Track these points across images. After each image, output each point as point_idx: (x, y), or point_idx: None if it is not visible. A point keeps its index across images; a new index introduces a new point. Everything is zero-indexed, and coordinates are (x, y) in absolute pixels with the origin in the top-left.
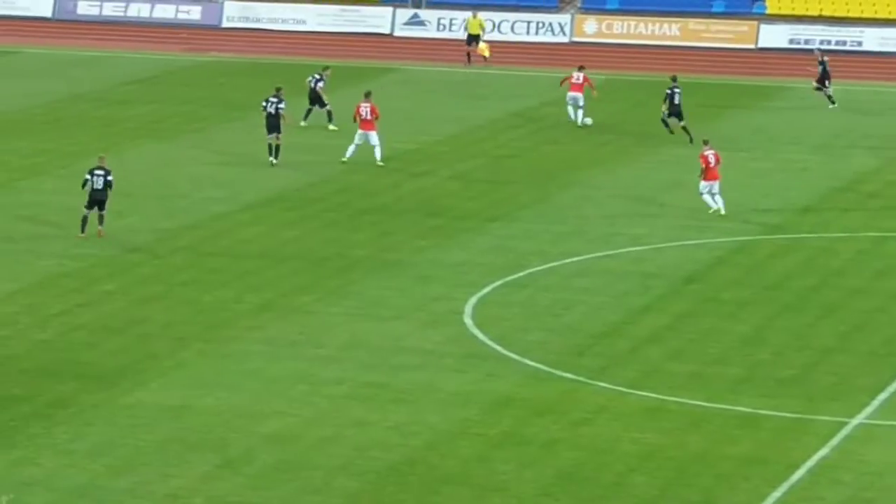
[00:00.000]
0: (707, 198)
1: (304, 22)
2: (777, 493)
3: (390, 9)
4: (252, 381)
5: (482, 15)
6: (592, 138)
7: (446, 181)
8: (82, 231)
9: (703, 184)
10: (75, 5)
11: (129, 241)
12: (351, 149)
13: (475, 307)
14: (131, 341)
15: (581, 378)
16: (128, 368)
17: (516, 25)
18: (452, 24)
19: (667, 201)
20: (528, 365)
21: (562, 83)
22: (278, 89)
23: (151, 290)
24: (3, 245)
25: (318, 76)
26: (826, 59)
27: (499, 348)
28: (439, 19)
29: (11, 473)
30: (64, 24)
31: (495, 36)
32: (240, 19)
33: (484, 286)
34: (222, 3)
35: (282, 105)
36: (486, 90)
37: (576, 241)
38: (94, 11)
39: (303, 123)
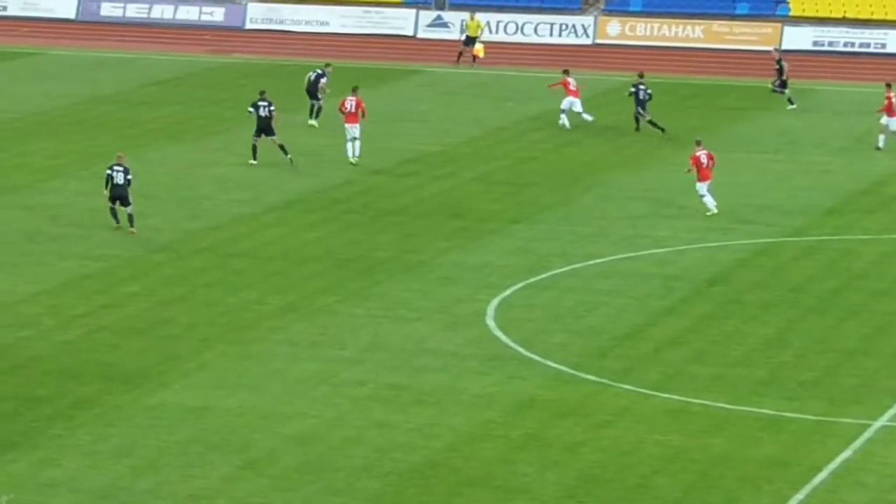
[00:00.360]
0: (708, 199)
1: (327, 23)
2: (800, 496)
3: (413, 10)
4: (275, 383)
5: (507, 17)
6: (615, 140)
7: (469, 183)
8: (116, 222)
9: (699, 185)
10: (99, 7)
11: (153, 243)
12: (349, 147)
13: (498, 309)
14: (154, 342)
15: (604, 380)
16: (151, 369)
17: (539, 27)
18: None
19: (689, 203)
20: (550, 367)
21: (551, 86)
22: (262, 92)
23: (175, 291)
24: (27, 246)
25: (319, 72)
26: (783, 60)
27: (521, 350)
28: (462, 21)
29: (34, 474)
30: (87, 26)
31: (518, 38)
32: (263, 21)
33: (506, 288)
34: (246, 4)
35: (272, 107)
36: (509, 92)
37: (598, 243)
38: (118, 13)
39: (310, 122)
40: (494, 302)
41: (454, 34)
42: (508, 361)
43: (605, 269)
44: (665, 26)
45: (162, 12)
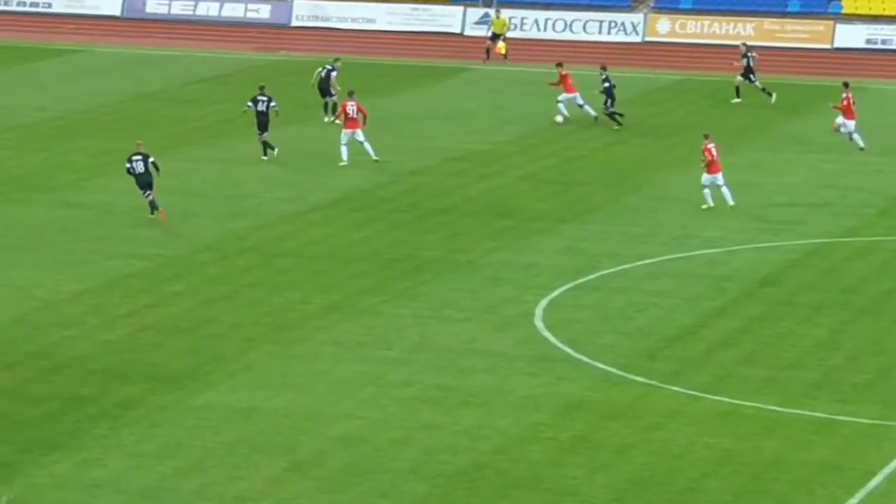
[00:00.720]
0: (707, 192)
1: (373, 21)
2: (853, 500)
3: (461, 8)
4: (320, 383)
5: (555, 14)
6: (664, 139)
7: (517, 182)
8: (153, 212)
9: (706, 177)
10: (144, 4)
11: (198, 241)
12: (344, 152)
13: (546, 309)
14: (199, 342)
15: (653, 382)
16: (196, 369)
17: (588, 25)
18: (524, 23)
19: (740, 203)
20: (599, 368)
21: (553, 84)
22: (262, 87)
23: (219, 290)
24: (71, 245)
25: (329, 67)
26: (752, 53)
27: (570, 351)
28: (510, 18)
29: (79, 475)
30: (132, 23)
31: (567, 35)
32: (309, 18)
33: (555, 288)
34: (292, 1)
35: (273, 103)
36: (558, 91)
37: (648, 243)
38: (163, 10)
39: (326, 119)
40: (543, 302)
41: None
42: (557, 363)
43: (654, 269)
44: (715, 24)
45: (207, 9)
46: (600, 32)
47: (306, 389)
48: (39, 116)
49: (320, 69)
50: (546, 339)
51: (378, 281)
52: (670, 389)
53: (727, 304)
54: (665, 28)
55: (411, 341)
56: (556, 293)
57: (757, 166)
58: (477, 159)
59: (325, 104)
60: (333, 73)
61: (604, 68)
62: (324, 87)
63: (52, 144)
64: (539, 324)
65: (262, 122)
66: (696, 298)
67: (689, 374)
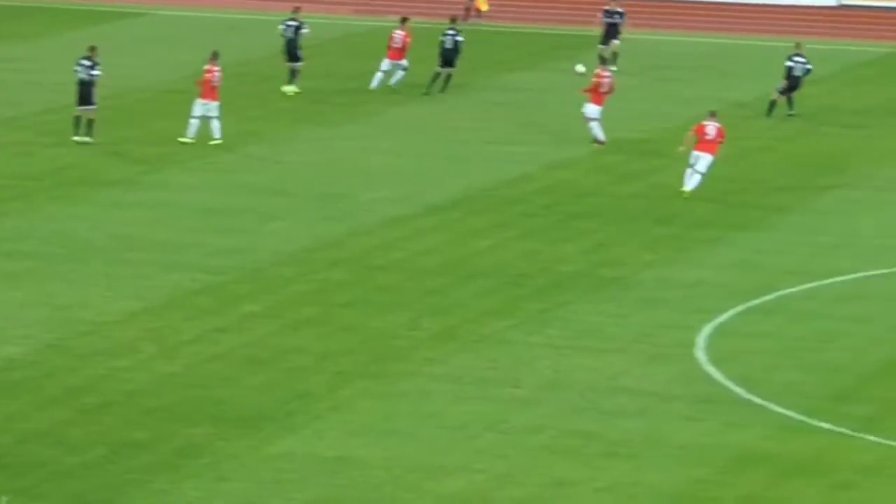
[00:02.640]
0: None
1: None
2: None
3: None
4: (429, 428)
5: None
6: (864, 128)
7: (679, 179)
8: (75, 131)
9: None
10: None
11: (279, 251)
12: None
13: (711, 338)
14: (279, 376)
15: (844, 430)
16: (274, 410)
17: None
18: None
19: None
20: (776, 412)
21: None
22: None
23: (305, 312)
24: (123, 254)
25: (296, 23)
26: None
27: (740, 391)
28: None
29: None
30: None
31: None
32: None
33: (723, 312)
34: None
35: (305, 28)
36: (733, 66)
37: (842, 256)
38: None
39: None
40: (707, 329)
41: None
42: (723, 405)
43: (850, 289)
44: None
45: None
46: None
47: (412, 435)
48: None
49: (282, 26)
50: (710, 376)
51: (504, 302)
52: (866, 439)
53: None
54: None
55: (544, 377)
56: (723, 318)
57: None
58: (630, 150)
59: (292, 70)
60: (303, 30)
61: (798, 45)
62: (290, 50)
63: (102, 131)
64: (701, 356)
65: (291, 49)
66: None
67: (891, 420)
